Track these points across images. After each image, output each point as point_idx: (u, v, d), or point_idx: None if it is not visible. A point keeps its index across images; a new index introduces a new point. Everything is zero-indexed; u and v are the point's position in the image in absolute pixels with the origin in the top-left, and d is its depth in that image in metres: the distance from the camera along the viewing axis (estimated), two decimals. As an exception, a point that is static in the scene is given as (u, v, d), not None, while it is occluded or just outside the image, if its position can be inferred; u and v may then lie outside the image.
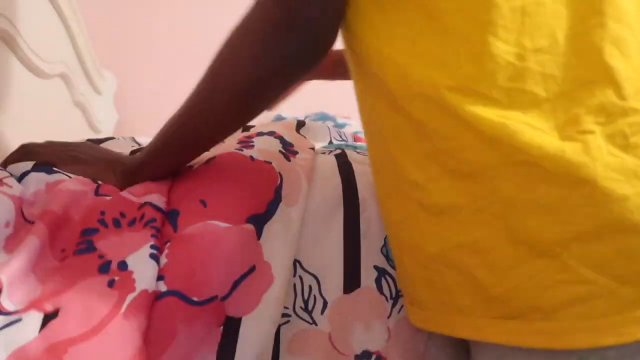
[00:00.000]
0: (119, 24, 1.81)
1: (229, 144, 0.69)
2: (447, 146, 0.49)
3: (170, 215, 0.58)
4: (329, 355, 0.60)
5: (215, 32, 1.92)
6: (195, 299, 0.52)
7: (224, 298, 0.54)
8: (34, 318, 0.46)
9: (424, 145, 0.51)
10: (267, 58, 0.53)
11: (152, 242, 0.54)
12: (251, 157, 0.64)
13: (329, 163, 0.69)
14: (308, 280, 0.60)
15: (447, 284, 0.51)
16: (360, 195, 0.64)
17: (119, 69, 1.77)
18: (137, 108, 1.81)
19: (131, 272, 0.51)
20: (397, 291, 0.61)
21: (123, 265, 0.52)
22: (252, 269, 0.56)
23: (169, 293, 0.51)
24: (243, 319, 0.55)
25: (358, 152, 0.74)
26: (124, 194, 0.60)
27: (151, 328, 0.49)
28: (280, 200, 0.60)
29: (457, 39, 0.48)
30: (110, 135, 1.69)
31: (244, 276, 0.55)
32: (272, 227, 0.59)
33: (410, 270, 0.56)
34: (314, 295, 0.60)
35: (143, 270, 0.51)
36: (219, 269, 0.54)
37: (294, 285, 0.60)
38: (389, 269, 0.62)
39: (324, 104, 1.85)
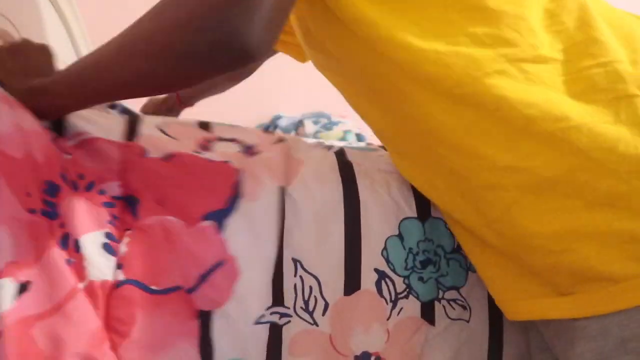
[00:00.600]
0: (119, 24, 1.81)
1: (188, 145, 0.68)
2: (536, 113, 0.50)
3: (130, 201, 0.58)
4: (329, 356, 0.60)
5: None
6: (154, 287, 0.53)
7: (191, 290, 0.54)
8: (10, 287, 0.48)
9: (505, 125, 0.51)
10: (194, 35, 0.50)
11: (107, 230, 0.54)
12: (209, 159, 0.63)
13: (329, 162, 0.68)
14: (309, 280, 0.60)
15: (583, 259, 0.50)
16: (361, 197, 0.64)
17: (119, 69, 1.77)
18: (137, 108, 1.81)
19: (82, 258, 0.52)
20: (397, 294, 0.61)
21: (77, 247, 0.52)
22: (220, 263, 0.56)
23: (127, 282, 0.52)
24: (214, 312, 0.55)
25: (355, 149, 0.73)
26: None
27: (110, 315, 0.51)
28: (240, 196, 0.60)
29: None
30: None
31: (211, 270, 0.56)
32: (235, 222, 0.58)
33: (531, 265, 0.54)
34: (315, 296, 0.60)
35: (95, 261, 0.52)
36: (178, 261, 0.54)
37: (295, 285, 0.60)
38: (388, 272, 0.61)
39: (321, 103, 1.86)
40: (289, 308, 0.60)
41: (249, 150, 0.68)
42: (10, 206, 0.50)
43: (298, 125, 1.73)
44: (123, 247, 0.55)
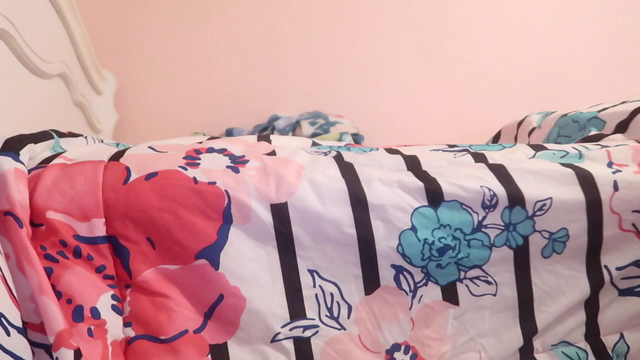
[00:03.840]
0: (119, 24, 1.79)
1: (175, 156, 0.66)
2: None
3: (121, 255, 0.58)
4: (362, 356, 0.60)
5: (215, 32, 1.91)
6: (162, 337, 0.56)
7: (199, 330, 0.57)
8: (69, 355, 0.50)
9: None
10: None
11: (112, 292, 0.57)
12: (194, 178, 0.61)
13: (330, 167, 0.66)
14: (329, 288, 0.60)
15: None
16: (367, 197, 0.62)
17: (119, 69, 1.76)
18: (137, 108, 1.79)
19: (104, 322, 0.55)
20: (416, 283, 0.62)
21: (96, 313, 0.54)
22: (221, 298, 0.57)
23: (138, 337, 0.56)
24: (228, 342, 0.57)
25: (353, 153, 0.72)
26: (56, 215, 0.57)
27: None
28: (230, 222, 0.59)
29: None
30: (110, 135, 1.68)
31: (214, 306, 0.57)
32: (230, 252, 0.58)
33: None
34: (337, 302, 0.60)
35: (110, 322, 0.56)
36: (178, 307, 0.57)
37: (316, 295, 0.60)
38: (406, 265, 0.61)
39: (318, 102, 1.85)
40: (313, 319, 0.60)
41: (238, 160, 0.66)
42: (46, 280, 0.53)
43: (295, 126, 1.71)
44: (127, 307, 0.57)
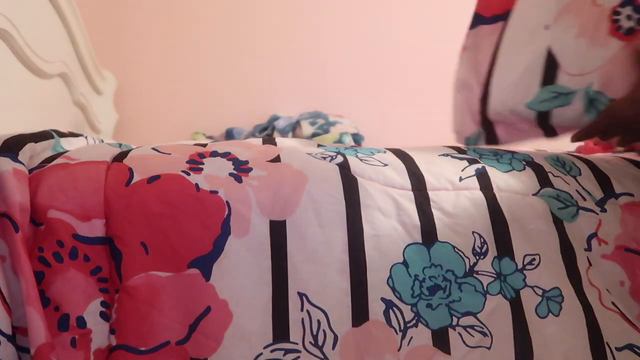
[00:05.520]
0: (119, 24, 1.79)
1: (178, 160, 0.65)
2: None
3: (115, 256, 0.57)
4: None
5: (215, 32, 1.91)
6: (142, 348, 0.55)
7: (182, 342, 0.55)
8: None
9: None
10: None
11: (102, 299, 0.56)
12: (197, 185, 0.60)
13: (332, 181, 0.64)
14: (316, 314, 0.58)
15: None
16: (364, 225, 0.61)
17: (119, 69, 1.75)
18: (137, 108, 1.79)
19: (89, 331, 0.54)
20: (405, 322, 0.59)
21: (81, 323, 0.54)
22: (208, 310, 0.56)
23: (118, 347, 0.55)
24: (209, 358, 0.55)
25: (360, 159, 0.69)
26: (58, 214, 0.56)
27: None
28: (228, 234, 0.58)
29: None
30: (110, 135, 1.67)
31: (199, 318, 0.56)
32: (223, 264, 0.57)
33: None
34: (324, 330, 0.58)
35: (97, 330, 0.55)
36: (163, 318, 0.56)
37: (302, 320, 0.58)
38: (395, 300, 0.59)
39: (318, 103, 1.85)
40: (296, 344, 0.57)
41: (241, 167, 0.65)
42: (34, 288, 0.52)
43: (295, 126, 1.71)
44: (113, 314, 0.56)
